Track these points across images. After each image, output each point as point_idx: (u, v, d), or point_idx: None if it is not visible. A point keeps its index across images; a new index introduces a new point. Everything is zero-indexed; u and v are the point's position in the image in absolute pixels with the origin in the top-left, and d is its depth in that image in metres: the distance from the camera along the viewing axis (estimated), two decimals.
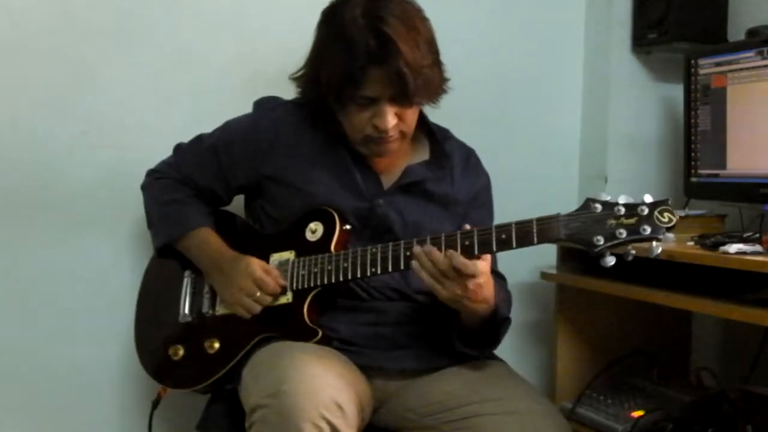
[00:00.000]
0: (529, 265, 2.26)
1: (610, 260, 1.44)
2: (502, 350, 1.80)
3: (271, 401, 1.42)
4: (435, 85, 1.68)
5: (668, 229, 1.42)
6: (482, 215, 1.84)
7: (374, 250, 1.61)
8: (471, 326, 1.64)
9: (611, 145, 2.36)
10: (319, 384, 1.42)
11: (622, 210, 1.44)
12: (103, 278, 2.04)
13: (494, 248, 1.52)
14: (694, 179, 2.09)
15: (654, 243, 1.42)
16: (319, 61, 1.67)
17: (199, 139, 1.85)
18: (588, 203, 1.47)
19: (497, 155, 2.03)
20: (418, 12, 1.66)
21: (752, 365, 2.06)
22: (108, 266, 2.04)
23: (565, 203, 2.38)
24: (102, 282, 2.04)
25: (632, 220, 1.43)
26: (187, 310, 1.78)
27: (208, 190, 1.81)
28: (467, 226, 1.56)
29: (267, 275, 1.66)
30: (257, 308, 1.66)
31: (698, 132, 2.07)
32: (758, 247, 1.66)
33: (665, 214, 1.42)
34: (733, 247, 1.66)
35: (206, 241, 1.76)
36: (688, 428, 1.90)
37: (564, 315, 2.23)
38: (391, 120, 1.63)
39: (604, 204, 1.45)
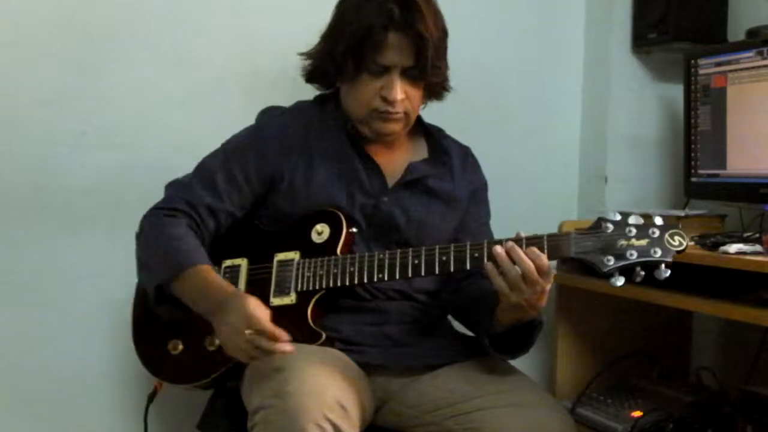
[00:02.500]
0: None
1: (619, 281, 1.46)
2: None
3: (274, 402, 1.41)
4: (443, 71, 1.71)
5: (678, 252, 1.45)
6: (480, 213, 1.85)
7: (381, 256, 1.60)
8: (504, 329, 1.62)
9: (611, 145, 2.36)
10: (323, 385, 1.43)
11: (633, 231, 1.46)
12: (103, 278, 2.04)
13: None
14: (694, 179, 2.09)
15: (663, 266, 1.44)
16: (338, 29, 1.68)
17: (202, 165, 1.76)
18: (599, 222, 1.49)
19: (497, 155, 2.03)
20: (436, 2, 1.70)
21: (752, 365, 2.05)
22: (107, 266, 2.04)
23: (565, 203, 2.42)
24: (101, 281, 2.04)
25: (643, 242, 1.45)
26: None
27: (224, 211, 1.73)
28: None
29: (261, 316, 1.48)
30: (254, 353, 1.48)
31: (698, 132, 2.07)
32: (758, 247, 1.66)
33: (676, 238, 1.45)
34: (733, 247, 1.66)
35: (206, 280, 1.61)
36: (688, 428, 1.90)
37: (564, 315, 2.23)
38: (399, 92, 1.65)
39: (616, 224, 1.47)
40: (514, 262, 1.48)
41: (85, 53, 2.00)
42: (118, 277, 2.01)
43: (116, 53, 2.03)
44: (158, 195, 2.02)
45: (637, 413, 1.93)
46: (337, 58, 1.67)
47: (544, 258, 1.48)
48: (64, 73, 1.99)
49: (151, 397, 1.82)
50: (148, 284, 1.67)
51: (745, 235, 1.78)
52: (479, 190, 1.86)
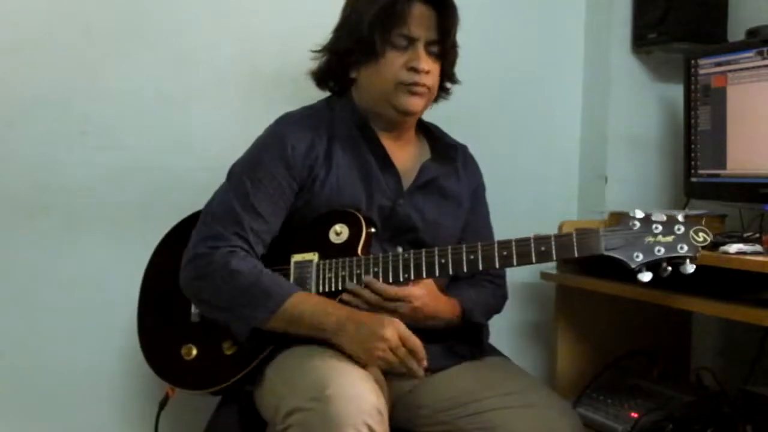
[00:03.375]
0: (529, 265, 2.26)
1: (647, 276, 1.51)
2: (503, 349, 1.80)
3: (313, 405, 1.41)
4: (457, 55, 1.76)
5: (702, 248, 1.51)
6: (483, 212, 1.87)
7: (406, 255, 1.62)
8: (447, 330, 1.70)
9: (611, 145, 2.36)
10: (363, 389, 1.44)
11: (659, 228, 1.52)
12: (103, 278, 2.04)
13: (534, 260, 1.56)
14: (694, 179, 2.09)
15: (688, 261, 1.50)
16: (358, 12, 1.70)
17: (239, 188, 1.68)
18: (626, 219, 1.54)
19: (497, 155, 2.03)
20: None
21: (752, 365, 2.05)
22: (108, 266, 2.04)
23: (565, 203, 2.42)
24: (102, 282, 2.04)
25: (669, 238, 1.51)
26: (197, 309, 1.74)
27: (269, 231, 1.69)
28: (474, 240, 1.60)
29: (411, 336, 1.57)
30: (398, 366, 1.55)
31: (698, 132, 2.07)
32: (758, 247, 1.66)
33: (700, 234, 1.51)
34: (733, 247, 1.66)
35: (321, 301, 1.62)
36: (688, 428, 1.90)
37: (564, 315, 2.23)
38: (425, 64, 1.68)
39: (641, 221, 1.53)
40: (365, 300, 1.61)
41: (85, 53, 2.00)
42: (119, 276, 2.02)
43: (116, 53, 2.03)
44: (158, 195, 2.04)
45: (637, 413, 1.93)
46: (361, 38, 1.68)
47: (388, 290, 1.59)
48: (64, 73, 1.99)
49: (162, 405, 1.80)
50: (239, 327, 1.64)
51: (745, 235, 1.78)
52: (479, 188, 1.88)
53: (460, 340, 1.72)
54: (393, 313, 1.58)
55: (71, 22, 1.99)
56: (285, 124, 1.75)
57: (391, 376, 1.65)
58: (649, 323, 2.23)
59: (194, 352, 1.72)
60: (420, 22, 1.68)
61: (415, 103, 1.71)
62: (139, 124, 2.04)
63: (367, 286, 1.59)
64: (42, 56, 1.97)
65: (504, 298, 1.85)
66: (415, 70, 1.68)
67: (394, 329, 1.54)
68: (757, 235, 1.76)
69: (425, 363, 1.55)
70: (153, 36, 2.05)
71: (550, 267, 2.21)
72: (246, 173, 1.69)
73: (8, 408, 1.99)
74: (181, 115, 2.05)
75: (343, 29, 1.74)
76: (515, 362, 1.79)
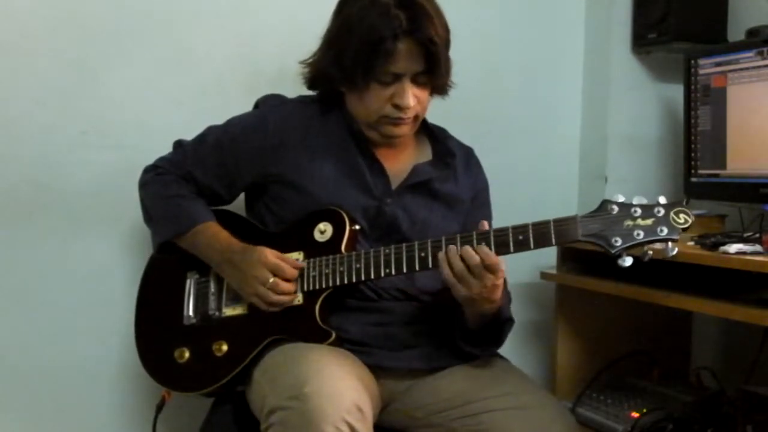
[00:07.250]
0: (529, 265, 2.26)
1: (628, 261, 1.47)
2: (503, 350, 1.80)
3: (292, 403, 1.41)
4: (449, 70, 1.70)
5: (684, 230, 1.46)
6: (484, 215, 1.84)
7: (387, 251, 1.61)
8: (475, 326, 1.65)
9: (611, 145, 2.36)
10: (342, 387, 1.43)
11: (639, 211, 1.48)
12: (103, 278, 2.04)
13: (512, 249, 1.53)
14: (694, 179, 2.09)
15: (669, 244, 1.46)
16: (343, 38, 1.65)
17: (202, 136, 1.81)
18: (605, 204, 1.50)
19: (497, 155, 2.03)
20: None
21: (752, 365, 2.05)
22: (108, 266, 2.04)
23: (565, 203, 2.42)
24: (102, 281, 2.04)
25: (649, 221, 1.47)
26: (191, 312, 1.76)
27: (210, 188, 1.78)
28: (485, 224, 1.57)
29: (282, 261, 1.64)
30: (273, 297, 1.63)
31: (698, 132, 2.07)
32: (758, 247, 1.66)
33: (681, 215, 1.47)
34: (733, 247, 1.66)
35: (215, 235, 1.72)
36: (688, 428, 1.90)
37: (564, 315, 2.23)
38: (412, 99, 1.64)
39: (621, 205, 1.49)
40: (463, 257, 1.51)
41: (85, 53, 2.00)
42: (119, 276, 2.02)
43: (116, 53, 2.03)
44: None
45: (637, 413, 1.93)
46: (344, 69, 1.65)
47: (492, 256, 1.51)
48: (64, 73, 1.99)
49: (159, 408, 1.81)
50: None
51: (745, 235, 1.78)
52: (481, 192, 1.86)
53: (474, 338, 1.68)
54: (479, 279, 1.52)
55: (71, 21, 1.98)
56: (268, 107, 1.80)
57: (384, 375, 1.66)
58: (649, 323, 2.23)
59: (187, 354, 1.73)
60: (408, 57, 1.60)
61: (401, 131, 1.70)
62: (139, 124, 2.04)
63: (478, 252, 1.52)
64: (42, 56, 1.97)
65: (510, 299, 1.83)
66: (399, 107, 1.65)
67: (263, 267, 1.63)
68: (757, 235, 1.76)
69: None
70: (153, 36, 2.05)
71: (550, 267, 2.21)
72: (218, 135, 1.79)
73: (7, 408, 1.99)
74: (181, 115, 2.05)
75: (329, 53, 1.69)
76: (515, 362, 1.79)
